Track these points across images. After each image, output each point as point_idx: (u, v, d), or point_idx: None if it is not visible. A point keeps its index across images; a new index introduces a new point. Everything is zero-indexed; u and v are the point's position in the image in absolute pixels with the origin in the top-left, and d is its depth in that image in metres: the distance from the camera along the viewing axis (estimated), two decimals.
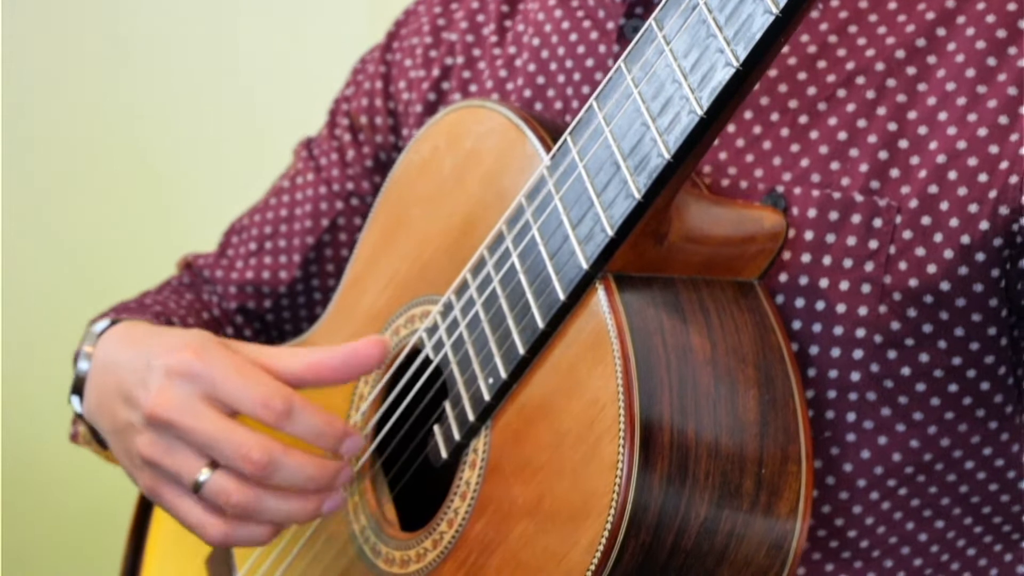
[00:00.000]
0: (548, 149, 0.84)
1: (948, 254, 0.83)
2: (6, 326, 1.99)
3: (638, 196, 0.76)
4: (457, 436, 0.85)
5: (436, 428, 0.87)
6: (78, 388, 0.99)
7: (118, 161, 2.03)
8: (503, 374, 0.82)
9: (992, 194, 0.83)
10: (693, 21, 0.73)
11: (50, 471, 2.03)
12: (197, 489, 0.86)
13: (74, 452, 1.30)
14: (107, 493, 1.70)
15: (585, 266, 0.78)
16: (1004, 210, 0.83)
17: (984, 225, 0.83)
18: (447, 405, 0.86)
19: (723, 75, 0.72)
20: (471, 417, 0.84)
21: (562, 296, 0.79)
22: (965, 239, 0.83)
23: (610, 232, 0.77)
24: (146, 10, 2.01)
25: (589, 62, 0.97)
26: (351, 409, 0.96)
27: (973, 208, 0.83)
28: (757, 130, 0.88)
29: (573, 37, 0.99)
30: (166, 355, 0.87)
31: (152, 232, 2.05)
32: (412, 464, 0.93)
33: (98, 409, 0.96)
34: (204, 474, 0.86)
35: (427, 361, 0.89)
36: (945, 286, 0.84)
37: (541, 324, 0.80)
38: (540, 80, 1.00)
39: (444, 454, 0.86)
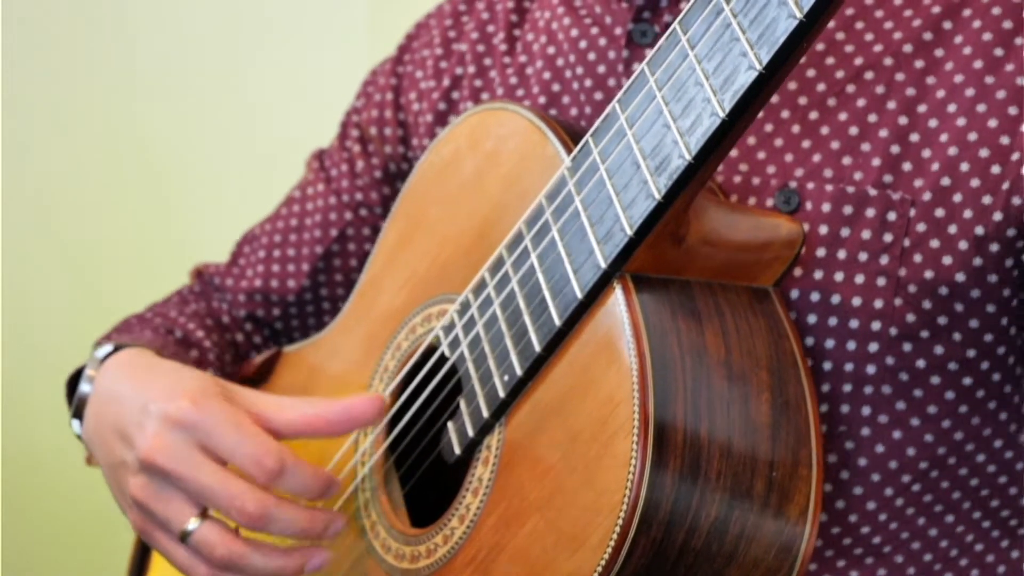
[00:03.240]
0: (569, 151, 0.85)
1: (963, 245, 0.84)
2: (7, 328, 2.00)
3: (658, 197, 0.77)
4: (471, 433, 0.86)
5: (450, 425, 0.88)
6: (79, 411, 1.00)
7: (122, 165, 2.04)
8: (519, 372, 0.83)
9: (1005, 185, 0.84)
10: (717, 25, 0.74)
11: (52, 473, 2.04)
12: (184, 538, 0.88)
13: (77, 454, 1.30)
14: (111, 497, 1.70)
15: (603, 265, 0.79)
16: (1017, 200, 0.84)
17: (998, 216, 0.84)
18: (461, 402, 0.87)
19: (746, 78, 0.73)
20: (485, 414, 0.84)
21: (579, 295, 0.80)
22: (979, 230, 0.84)
23: (629, 232, 0.78)
24: (153, 18, 2.02)
25: (600, 68, 0.98)
26: None
27: (987, 199, 0.84)
28: (768, 127, 0.89)
29: (583, 44, 1.00)
30: (164, 400, 0.88)
31: (154, 236, 2.05)
32: (424, 461, 0.94)
33: (96, 438, 0.97)
34: (192, 524, 0.87)
35: (443, 359, 0.90)
36: (960, 277, 0.85)
37: (558, 322, 0.81)
38: (555, 87, 1.01)
39: (457, 451, 0.87)
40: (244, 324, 1.17)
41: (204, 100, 2.03)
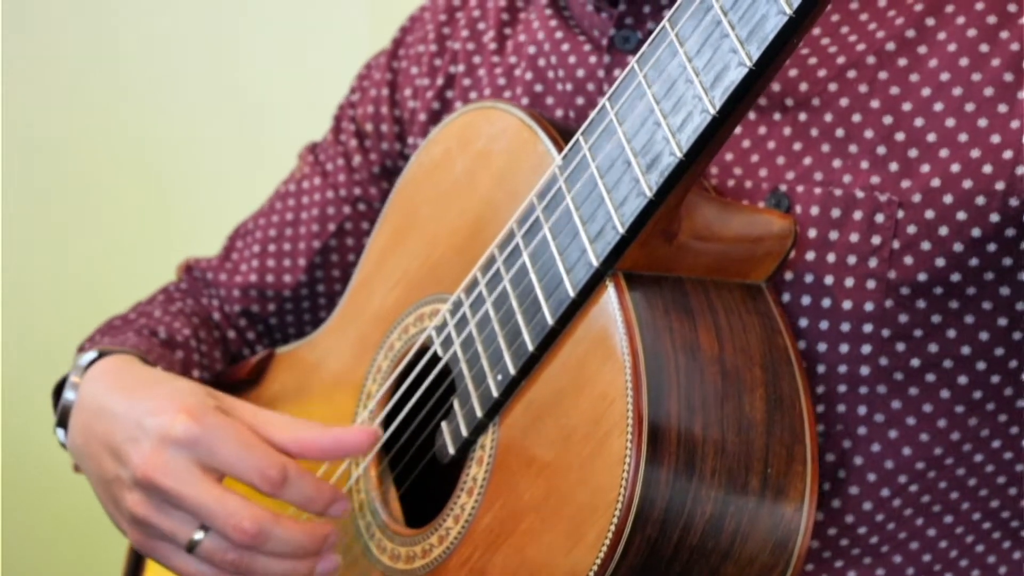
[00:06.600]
0: (560, 149, 0.85)
1: (957, 247, 0.84)
2: (7, 328, 1.99)
3: (649, 194, 0.76)
4: (465, 433, 0.85)
5: (444, 425, 0.88)
6: (63, 419, 0.99)
7: (117, 161, 2.04)
8: (512, 371, 0.82)
9: (999, 186, 0.83)
10: (707, 21, 0.74)
11: (53, 473, 2.03)
12: (192, 548, 0.87)
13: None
14: None
15: (595, 264, 0.79)
16: (1014, 202, 0.83)
17: (995, 218, 0.83)
18: (455, 402, 0.87)
19: (736, 75, 0.72)
20: (479, 414, 0.84)
21: (572, 293, 0.80)
22: (976, 232, 0.84)
23: (621, 230, 0.78)
24: (148, 14, 2.02)
25: (580, 72, 0.98)
26: (358, 407, 0.97)
27: (980, 200, 0.84)
28: (762, 130, 0.89)
29: (565, 47, 1.00)
30: (160, 415, 0.88)
31: (152, 234, 2.05)
32: (419, 461, 0.94)
33: (84, 452, 0.96)
34: (199, 534, 0.87)
35: (435, 359, 0.90)
36: (956, 277, 0.84)
37: (551, 321, 0.81)
38: (538, 88, 1.01)
39: (451, 451, 0.87)
40: (238, 320, 1.16)
41: (203, 99, 2.03)
